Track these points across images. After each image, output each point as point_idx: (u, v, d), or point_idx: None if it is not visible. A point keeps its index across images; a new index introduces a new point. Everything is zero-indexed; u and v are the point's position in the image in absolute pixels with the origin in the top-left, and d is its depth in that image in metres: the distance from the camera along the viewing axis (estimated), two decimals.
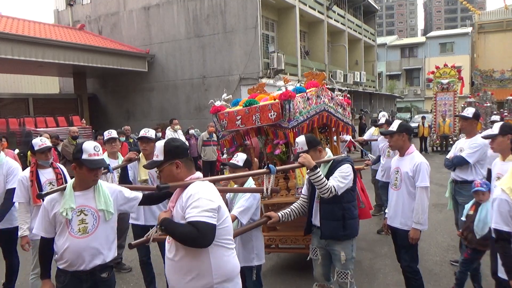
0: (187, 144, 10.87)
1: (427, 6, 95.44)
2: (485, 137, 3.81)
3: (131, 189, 3.58)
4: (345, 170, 3.19)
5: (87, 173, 2.59)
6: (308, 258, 3.57)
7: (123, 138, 8.74)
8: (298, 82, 4.90)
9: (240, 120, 4.27)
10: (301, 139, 3.32)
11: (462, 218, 4.11)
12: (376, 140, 6.81)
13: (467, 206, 4.08)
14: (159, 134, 10.39)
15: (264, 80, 14.34)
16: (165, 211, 2.24)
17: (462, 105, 19.63)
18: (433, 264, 5.01)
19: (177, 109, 16.18)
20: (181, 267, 2.13)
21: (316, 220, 3.36)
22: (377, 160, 6.55)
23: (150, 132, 4.17)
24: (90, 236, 2.56)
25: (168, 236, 2.22)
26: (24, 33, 12.61)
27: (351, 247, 3.29)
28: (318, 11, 19.62)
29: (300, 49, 18.19)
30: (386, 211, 3.98)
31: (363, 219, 4.78)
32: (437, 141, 17.40)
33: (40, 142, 4.11)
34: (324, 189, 3.05)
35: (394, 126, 3.69)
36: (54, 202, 2.59)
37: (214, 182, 2.34)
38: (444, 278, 4.59)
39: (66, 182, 4.11)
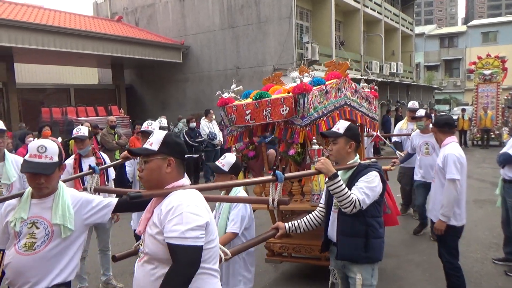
0: (220, 140, 10.76)
1: None
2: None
3: (112, 192, 3.26)
4: (373, 179, 2.61)
5: (27, 178, 2.22)
6: (330, 283, 2.99)
7: None
8: None
9: (249, 115, 3.81)
10: (344, 123, 2.81)
11: None
12: (409, 135, 6.16)
13: None
14: (193, 124, 10.52)
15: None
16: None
17: (506, 97, 18.77)
18: (474, 261, 4.85)
19: (211, 100, 16.21)
20: None
21: (332, 234, 2.81)
22: (407, 157, 5.97)
23: (153, 125, 3.80)
24: (36, 255, 2.14)
25: (139, 253, 1.87)
26: (65, 25, 13.03)
27: (371, 272, 2.70)
28: (354, 0, 19.15)
29: (335, 39, 17.85)
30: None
31: (390, 226, 4.51)
32: (478, 135, 16.72)
33: (75, 131, 4.27)
34: (346, 203, 2.49)
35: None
36: (9, 209, 2.25)
37: (203, 190, 1.96)
38: (485, 277, 4.43)
39: (106, 171, 4.20)
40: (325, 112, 3.84)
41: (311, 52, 14.83)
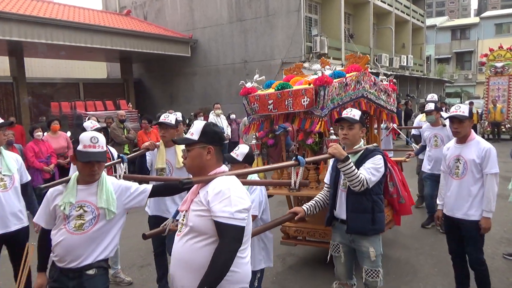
0: (228, 134, 10.77)
1: None
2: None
3: (157, 180, 3.44)
4: (378, 162, 2.97)
5: (81, 167, 2.42)
6: (328, 256, 3.29)
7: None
8: (342, 67, 4.65)
9: (272, 104, 4.04)
10: (357, 111, 3.13)
11: None
12: (421, 127, 6.27)
13: None
14: (201, 118, 10.54)
15: (306, 65, 14.08)
16: None
17: None
18: (485, 256, 4.74)
19: (219, 94, 16.31)
20: (191, 266, 1.96)
21: (341, 212, 3.11)
22: (421, 149, 6.08)
23: (170, 118, 3.88)
24: (85, 234, 2.39)
25: (179, 229, 2.09)
26: (74, 19, 13.09)
27: (378, 243, 3.07)
28: None
29: (344, 32, 17.69)
30: (438, 202, 3.78)
31: (404, 215, 4.50)
32: (488, 129, 16.46)
33: (91, 124, 4.29)
34: (356, 182, 2.82)
35: (464, 111, 3.42)
36: (56, 194, 2.47)
37: (239, 175, 2.18)
38: (496, 272, 4.37)
39: (114, 164, 4.26)
40: (340, 103, 4.01)
41: (320, 45, 14.71)
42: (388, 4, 21.37)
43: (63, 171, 7.48)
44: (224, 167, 2.14)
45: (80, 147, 2.39)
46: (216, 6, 16.53)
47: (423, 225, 5.96)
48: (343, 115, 3.12)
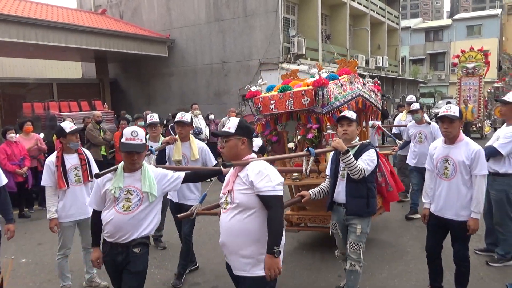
0: (206, 135, 10.70)
1: None
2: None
3: (187, 170, 3.77)
4: (372, 154, 3.48)
5: (124, 156, 2.81)
6: (330, 234, 3.83)
7: (141, 123, 8.80)
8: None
9: (273, 104, 4.54)
10: (352, 112, 3.66)
11: None
12: (405, 125, 6.84)
13: None
14: None
15: (284, 65, 14.20)
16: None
17: (488, 90, 19.05)
18: None
19: (197, 94, 16.22)
20: (239, 233, 2.43)
21: (339, 197, 3.61)
22: (405, 144, 6.64)
23: (186, 117, 4.40)
24: (131, 214, 2.79)
25: (224, 207, 2.55)
26: (47, 18, 12.78)
27: (367, 223, 3.57)
28: None
29: (322, 33, 17.87)
30: (425, 200, 3.78)
31: (391, 202, 4.95)
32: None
33: (70, 125, 4.15)
34: (355, 171, 3.33)
35: (455, 111, 3.42)
36: (106, 180, 2.86)
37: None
38: None
39: (90, 167, 4.14)
40: (345, 101, 4.55)
41: (298, 46, 14.82)
42: (364, 6, 21.70)
43: (37, 173, 7.29)
44: (254, 155, 2.61)
45: (123, 139, 2.77)
46: (193, 6, 16.42)
47: (407, 217, 6.34)
48: (343, 114, 3.61)
